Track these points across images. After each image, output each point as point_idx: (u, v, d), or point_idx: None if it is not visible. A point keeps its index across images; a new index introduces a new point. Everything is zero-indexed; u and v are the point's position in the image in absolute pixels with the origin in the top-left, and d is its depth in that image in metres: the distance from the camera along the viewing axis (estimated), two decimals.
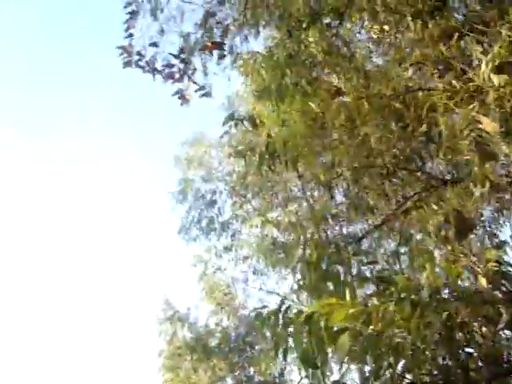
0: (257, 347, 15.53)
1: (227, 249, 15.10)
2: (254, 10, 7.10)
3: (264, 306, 5.01)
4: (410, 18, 5.32)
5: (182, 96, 6.65)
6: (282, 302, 4.81)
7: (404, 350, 3.41)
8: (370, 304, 3.91)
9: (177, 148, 16.13)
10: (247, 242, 14.77)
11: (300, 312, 4.39)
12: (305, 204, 11.75)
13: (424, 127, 5.15)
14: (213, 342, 16.30)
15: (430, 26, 5.16)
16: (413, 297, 3.73)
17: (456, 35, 4.80)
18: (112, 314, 23.03)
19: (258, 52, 7.80)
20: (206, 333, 16.37)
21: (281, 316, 4.54)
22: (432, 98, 4.59)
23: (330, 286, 4.85)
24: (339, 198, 10.20)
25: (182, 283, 21.56)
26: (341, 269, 4.98)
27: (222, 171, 15.40)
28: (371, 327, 3.53)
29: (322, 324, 3.75)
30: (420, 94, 5.04)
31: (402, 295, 3.66)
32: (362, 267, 5.22)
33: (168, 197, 15.63)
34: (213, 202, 15.17)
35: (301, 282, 5.13)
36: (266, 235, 12.39)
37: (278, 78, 6.66)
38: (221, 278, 15.94)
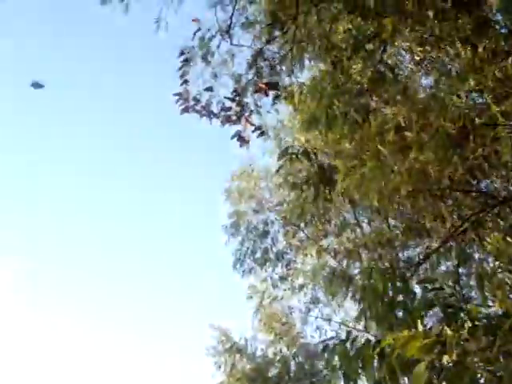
0: (318, 376, 15.36)
1: (283, 278, 15.08)
2: (299, 44, 7.22)
3: (331, 338, 5.04)
4: (458, 44, 5.29)
5: (240, 138, 6.68)
6: (350, 333, 4.82)
7: (483, 379, 3.37)
8: (439, 332, 3.88)
9: (227, 182, 16.24)
10: (303, 270, 14.77)
11: (368, 342, 4.38)
12: (359, 230, 11.73)
13: (481, 151, 5.11)
14: (272, 372, 16.22)
15: (479, 49, 5.13)
16: (485, 324, 3.70)
17: (510, 58, 4.75)
18: (171, 349, 23.33)
19: (304, 83, 7.90)
20: (265, 363, 16.30)
21: (349, 346, 4.55)
22: (494, 131, 4.55)
23: (397, 314, 4.83)
24: (393, 222, 10.13)
25: (239, 315, 21.64)
26: (405, 296, 4.95)
27: (272, 201, 15.45)
28: (446, 357, 3.50)
29: (396, 355, 3.74)
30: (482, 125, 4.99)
31: (476, 323, 3.62)
32: (427, 293, 5.16)
33: (221, 231, 15.69)
34: (265, 233, 15.18)
35: (367, 312, 5.11)
36: (323, 264, 12.35)
37: (325, 107, 6.71)
38: (278, 308, 15.91)
